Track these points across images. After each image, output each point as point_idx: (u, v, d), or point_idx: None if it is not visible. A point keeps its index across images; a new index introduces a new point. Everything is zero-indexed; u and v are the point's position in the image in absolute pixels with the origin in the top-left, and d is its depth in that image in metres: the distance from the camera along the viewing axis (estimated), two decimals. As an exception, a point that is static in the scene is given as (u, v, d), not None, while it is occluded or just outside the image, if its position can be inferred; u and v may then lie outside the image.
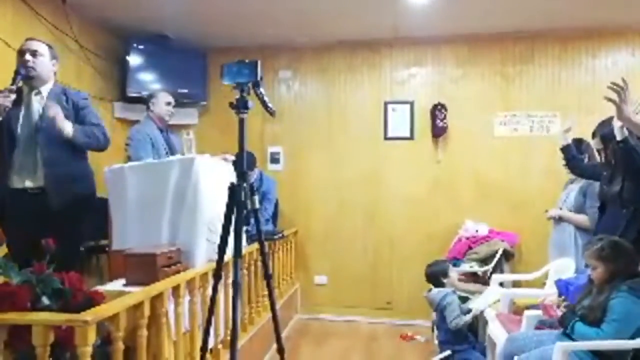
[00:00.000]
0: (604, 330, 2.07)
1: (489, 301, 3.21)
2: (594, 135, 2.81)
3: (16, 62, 2.53)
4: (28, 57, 2.52)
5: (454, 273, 3.54)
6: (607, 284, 2.17)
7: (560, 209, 3.40)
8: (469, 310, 3.24)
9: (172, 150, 3.41)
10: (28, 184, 2.51)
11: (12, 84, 2.41)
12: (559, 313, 2.33)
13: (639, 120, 2.20)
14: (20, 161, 2.49)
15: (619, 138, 2.34)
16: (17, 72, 2.45)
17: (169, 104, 3.44)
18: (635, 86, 2.19)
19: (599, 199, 2.79)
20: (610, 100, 2.19)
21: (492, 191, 4.43)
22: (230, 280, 2.26)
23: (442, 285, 3.44)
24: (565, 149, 3.25)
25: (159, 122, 3.40)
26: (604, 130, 2.67)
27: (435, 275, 3.49)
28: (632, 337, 2.05)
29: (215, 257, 2.02)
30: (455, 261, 3.98)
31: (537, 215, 3.91)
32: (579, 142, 3.30)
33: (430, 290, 3.53)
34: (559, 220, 3.37)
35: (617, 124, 2.33)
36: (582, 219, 3.21)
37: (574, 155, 3.21)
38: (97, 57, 4.07)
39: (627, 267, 2.18)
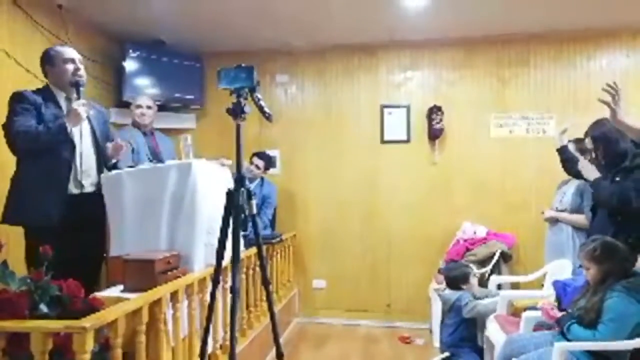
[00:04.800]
0: (600, 332, 2.08)
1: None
2: (586, 135, 2.84)
3: (60, 68, 2.53)
4: (80, 65, 2.58)
5: (474, 279, 3.47)
6: (601, 284, 2.18)
7: (557, 209, 3.40)
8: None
9: (155, 155, 3.40)
10: (88, 189, 2.58)
11: (78, 97, 2.49)
12: (558, 314, 2.34)
13: (630, 122, 2.22)
14: (79, 166, 2.54)
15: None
16: (77, 84, 2.50)
17: (138, 107, 3.46)
18: (629, 87, 2.21)
19: (592, 200, 2.81)
20: (603, 102, 2.21)
21: (489, 193, 4.44)
22: (228, 285, 2.26)
23: (460, 290, 3.40)
24: (561, 150, 3.26)
25: (141, 126, 3.41)
26: (595, 132, 2.69)
27: (456, 281, 3.45)
28: (630, 337, 2.06)
29: (214, 261, 2.02)
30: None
31: (535, 217, 3.93)
32: (579, 141, 3.31)
33: (444, 289, 3.53)
34: (556, 221, 3.38)
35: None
36: (580, 218, 3.21)
37: (570, 156, 3.23)
38: (93, 63, 4.07)
39: (620, 267, 2.19)
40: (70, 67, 2.54)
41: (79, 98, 2.49)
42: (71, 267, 2.22)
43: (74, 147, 2.50)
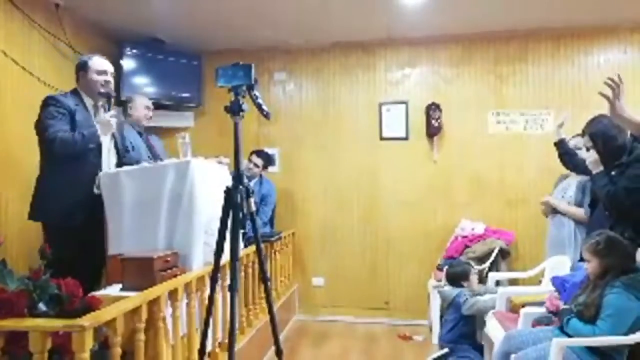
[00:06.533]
0: (599, 327, 2.09)
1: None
2: (583, 133, 2.84)
3: (93, 77, 2.71)
4: (110, 77, 2.78)
5: (474, 276, 3.50)
6: (601, 279, 2.19)
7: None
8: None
9: (153, 154, 3.40)
10: None
11: (109, 107, 2.69)
12: (562, 305, 2.34)
13: (630, 116, 2.21)
14: (105, 168, 2.70)
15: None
16: (108, 95, 2.69)
17: (147, 107, 3.44)
18: (626, 83, 2.21)
19: (590, 195, 2.81)
20: (603, 96, 2.20)
21: (488, 189, 4.45)
22: (227, 283, 2.26)
23: (460, 287, 3.43)
24: (558, 144, 3.27)
25: (138, 126, 3.41)
26: (592, 129, 2.69)
27: (456, 278, 3.48)
28: (629, 333, 2.06)
29: (212, 260, 2.02)
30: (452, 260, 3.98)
31: (533, 213, 3.94)
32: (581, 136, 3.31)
33: (444, 286, 3.54)
34: (554, 213, 3.34)
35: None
36: (578, 211, 3.15)
37: (567, 150, 3.24)
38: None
39: (621, 263, 2.19)
40: (102, 78, 2.72)
41: (109, 109, 2.69)
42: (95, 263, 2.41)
43: (100, 151, 2.67)
